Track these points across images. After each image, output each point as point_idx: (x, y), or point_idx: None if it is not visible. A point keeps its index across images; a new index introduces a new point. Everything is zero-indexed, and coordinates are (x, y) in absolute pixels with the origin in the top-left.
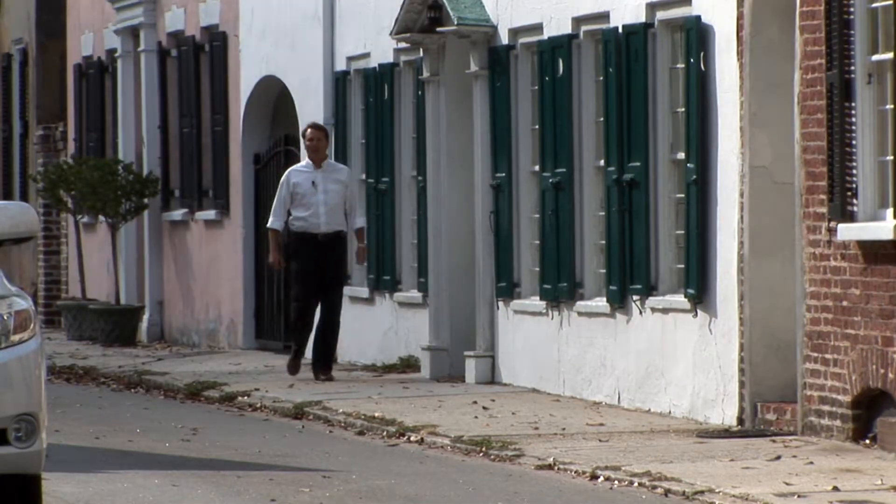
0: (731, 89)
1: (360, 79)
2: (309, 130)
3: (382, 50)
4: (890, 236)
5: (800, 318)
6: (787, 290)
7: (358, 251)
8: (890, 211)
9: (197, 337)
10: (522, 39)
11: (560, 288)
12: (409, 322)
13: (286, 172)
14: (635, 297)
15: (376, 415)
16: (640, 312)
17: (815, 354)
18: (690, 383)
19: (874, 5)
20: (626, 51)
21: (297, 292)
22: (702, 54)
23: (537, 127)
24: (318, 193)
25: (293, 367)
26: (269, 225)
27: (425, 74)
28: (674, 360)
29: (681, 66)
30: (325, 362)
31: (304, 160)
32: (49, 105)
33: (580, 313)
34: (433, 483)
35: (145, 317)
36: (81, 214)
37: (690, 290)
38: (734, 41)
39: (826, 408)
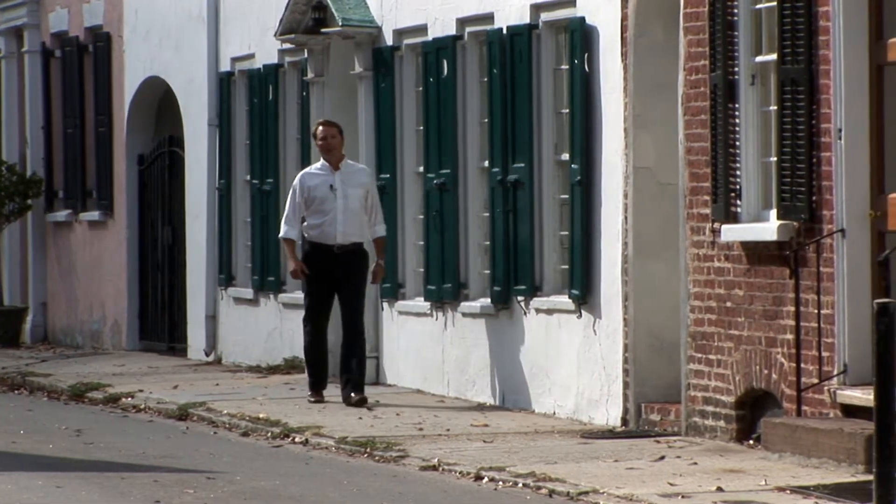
0: (615, 90)
1: (244, 79)
2: (319, 128)
3: (267, 51)
4: (773, 237)
5: (684, 318)
6: (671, 290)
7: (375, 269)
8: (773, 212)
9: (81, 338)
10: (407, 40)
11: (444, 289)
12: (293, 323)
13: (298, 176)
14: (520, 298)
15: (261, 416)
16: (525, 313)
17: (699, 355)
18: (575, 384)
19: (758, 7)
20: (510, 52)
21: (307, 314)
22: (586, 55)
23: (422, 128)
24: (337, 199)
25: (316, 397)
26: (281, 235)
27: (310, 75)
28: (558, 361)
29: (565, 67)
30: (354, 384)
31: (320, 161)
32: None
33: (465, 314)
34: (318, 484)
35: (29, 318)
36: None
37: (575, 291)
38: (618, 42)
39: (710, 408)
